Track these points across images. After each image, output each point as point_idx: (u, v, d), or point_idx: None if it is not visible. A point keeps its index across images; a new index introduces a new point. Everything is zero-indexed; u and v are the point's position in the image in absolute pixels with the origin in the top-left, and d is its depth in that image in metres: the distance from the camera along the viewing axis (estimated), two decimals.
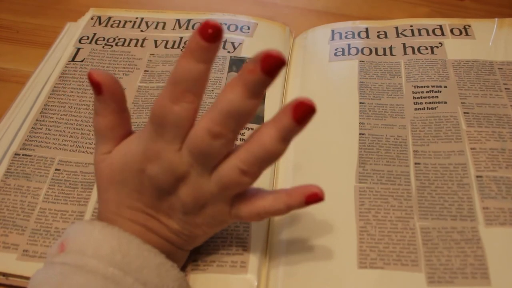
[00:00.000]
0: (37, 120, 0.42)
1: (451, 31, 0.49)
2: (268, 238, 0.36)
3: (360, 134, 0.41)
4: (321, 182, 0.37)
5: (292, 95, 0.45)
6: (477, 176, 0.37)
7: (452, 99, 0.42)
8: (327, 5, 0.57)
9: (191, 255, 0.33)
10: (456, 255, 0.33)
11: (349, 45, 0.48)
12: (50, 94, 0.44)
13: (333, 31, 0.50)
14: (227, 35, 0.50)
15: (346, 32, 0.50)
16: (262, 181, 0.38)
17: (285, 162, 0.40)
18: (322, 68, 0.47)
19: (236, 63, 0.47)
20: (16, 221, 0.36)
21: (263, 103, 0.44)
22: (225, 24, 0.51)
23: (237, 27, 0.51)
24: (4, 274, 0.34)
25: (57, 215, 0.36)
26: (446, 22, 0.50)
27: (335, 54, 0.48)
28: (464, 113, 0.41)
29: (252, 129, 0.41)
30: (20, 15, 0.55)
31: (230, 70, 0.46)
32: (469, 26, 0.49)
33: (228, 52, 0.48)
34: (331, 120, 0.42)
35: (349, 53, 0.48)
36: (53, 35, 0.51)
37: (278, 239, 0.35)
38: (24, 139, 0.41)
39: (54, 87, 0.45)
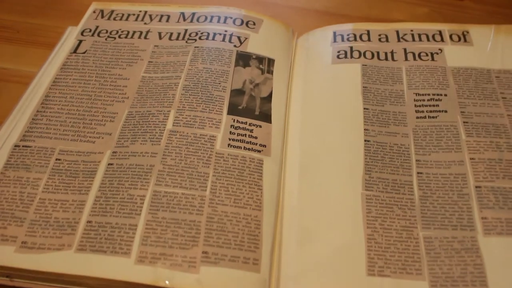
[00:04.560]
0: (37, 111, 0.41)
1: (450, 37, 0.49)
2: (276, 238, 0.36)
3: (365, 140, 0.41)
4: (329, 188, 0.38)
5: (296, 96, 0.45)
6: (476, 187, 0.38)
7: (452, 108, 0.43)
8: (327, 5, 0.57)
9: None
10: (456, 264, 0.34)
11: (351, 47, 0.48)
12: (51, 85, 0.43)
13: (334, 33, 0.50)
14: (233, 29, 0.49)
15: (348, 35, 0.50)
16: (270, 186, 0.37)
17: (291, 165, 0.40)
18: (325, 70, 0.47)
19: (243, 58, 0.46)
20: (15, 213, 0.35)
21: (270, 101, 0.43)
22: (231, 17, 0.50)
23: (242, 21, 0.50)
24: (8, 276, 0.33)
25: (57, 205, 0.35)
26: (445, 28, 0.50)
27: (338, 57, 0.48)
28: (464, 122, 0.42)
29: (260, 126, 0.41)
30: (20, 15, 0.54)
31: (236, 64, 0.45)
32: (468, 32, 0.50)
33: (235, 46, 0.47)
34: (336, 125, 0.42)
35: (351, 56, 0.48)
36: (54, 35, 0.50)
37: (288, 240, 0.36)
38: (25, 131, 0.40)
39: (56, 78, 0.44)
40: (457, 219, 0.36)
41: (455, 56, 0.47)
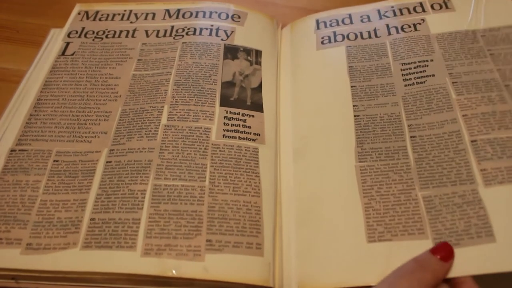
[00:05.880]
0: (31, 115, 0.42)
1: (432, 6, 0.50)
2: (277, 222, 0.37)
3: (355, 116, 0.42)
4: (322, 165, 0.39)
5: (285, 84, 0.46)
6: (472, 141, 0.38)
7: (439, 71, 0.44)
8: (326, 5, 0.57)
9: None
10: (459, 218, 0.34)
11: (334, 32, 0.49)
12: (43, 88, 0.44)
13: (317, 20, 0.51)
14: (219, 23, 0.49)
15: (330, 21, 0.51)
16: (267, 172, 0.38)
17: (285, 150, 0.41)
18: (310, 57, 0.48)
19: (231, 51, 0.47)
20: (17, 216, 0.35)
21: (260, 91, 0.44)
22: (216, 12, 0.51)
23: (227, 15, 0.50)
24: (14, 278, 0.34)
25: (58, 205, 0.36)
26: None
27: (322, 43, 0.49)
28: (453, 82, 0.42)
29: (252, 116, 0.42)
30: (20, 15, 0.54)
31: (225, 57, 0.46)
32: None
33: (222, 39, 0.48)
34: (325, 106, 0.43)
35: (335, 40, 0.49)
36: None
37: (288, 222, 0.37)
38: (19, 135, 0.40)
39: (46, 81, 0.44)
40: (456, 174, 0.36)
41: (438, 23, 0.48)
